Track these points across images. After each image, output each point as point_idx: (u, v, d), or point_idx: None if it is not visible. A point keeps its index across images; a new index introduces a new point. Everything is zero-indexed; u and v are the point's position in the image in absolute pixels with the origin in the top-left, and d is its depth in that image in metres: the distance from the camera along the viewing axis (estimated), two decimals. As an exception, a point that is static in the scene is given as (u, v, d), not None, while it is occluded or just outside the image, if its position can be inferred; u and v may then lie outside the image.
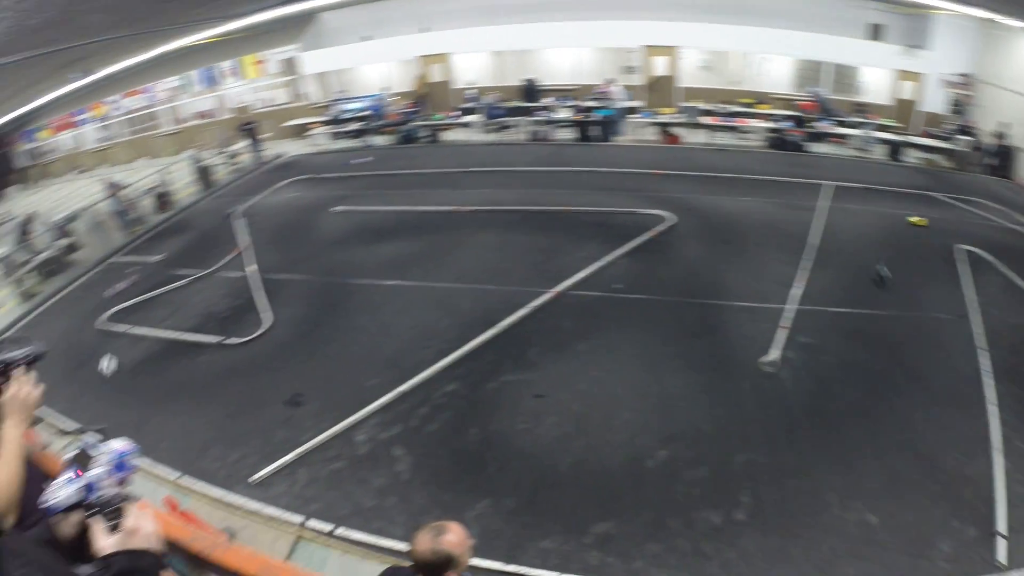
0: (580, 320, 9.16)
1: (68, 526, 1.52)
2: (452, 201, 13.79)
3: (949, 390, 7.82)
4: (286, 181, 17.49)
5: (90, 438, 1.62)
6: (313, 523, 6.23)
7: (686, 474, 6.55)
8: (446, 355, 8.50)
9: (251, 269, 11.78)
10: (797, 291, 9.66)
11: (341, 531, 6.11)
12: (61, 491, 1.50)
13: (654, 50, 20.72)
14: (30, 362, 2.32)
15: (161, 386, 8.87)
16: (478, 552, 5.76)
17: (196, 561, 1.89)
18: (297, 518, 6.28)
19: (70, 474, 1.53)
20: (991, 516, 6.11)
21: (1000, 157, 16.29)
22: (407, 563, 2.90)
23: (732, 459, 6.72)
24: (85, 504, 1.49)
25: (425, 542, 2.80)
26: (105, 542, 1.39)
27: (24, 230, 15.15)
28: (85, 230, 16.11)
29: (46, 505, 1.50)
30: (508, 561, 5.72)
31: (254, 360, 9.13)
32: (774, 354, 8.21)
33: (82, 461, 1.55)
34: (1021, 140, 16.07)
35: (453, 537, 2.83)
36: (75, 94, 24.00)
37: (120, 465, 1.59)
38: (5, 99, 19.99)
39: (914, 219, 9.95)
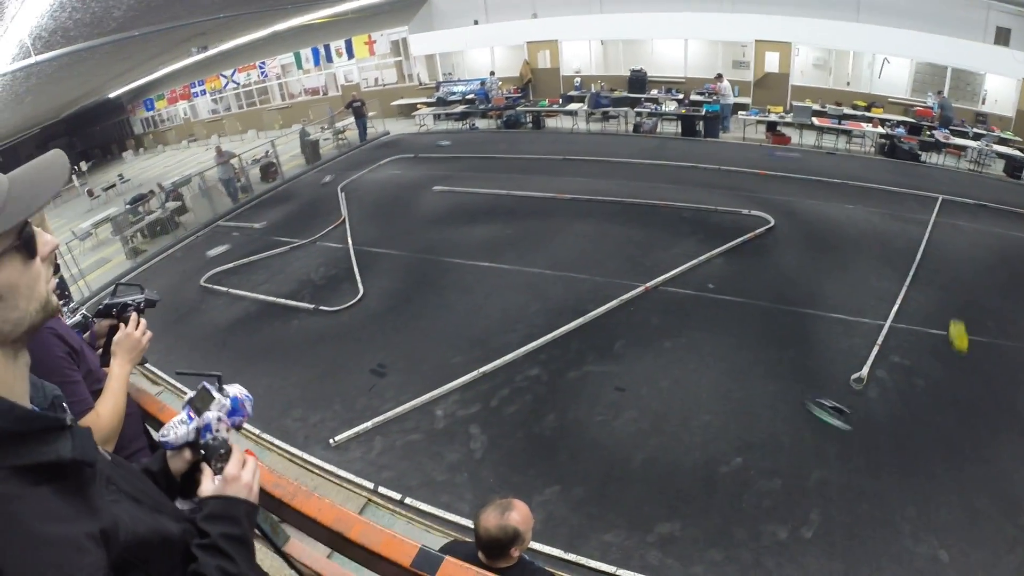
0: (669, 317, 9.13)
1: (180, 462, 1.58)
2: (551, 188, 13.90)
3: None
4: (389, 159, 17.98)
5: (208, 382, 1.67)
6: (384, 490, 6.50)
7: (758, 484, 6.50)
8: (532, 340, 8.65)
9: (350, 241, 12.23)
10: (895, 308, 9.33)
11: (409, 501, 6.35)
12: (176, 429, 1.57)
13: (766, 45, 20.09)
14: (142, 308, 2.56)
15: (253, 346, 9.43)
16: (541, 537, 5.91)
17: (275, 507, 2.02)
18: (369, 484, 6.58)
19: (187, 414, 1.60)
20: None
21: None
22: (468, 539, 3.03)
23: (807, 475, 6.62)
24: (196, 445, 1.57)
25: (493, 519, 2.91)
26: (206, 485, 1.47)
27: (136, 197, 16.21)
28: (194, 195, 17.07)
29: (161, 440, 1.59)
30: (568, 550, 5.82)
31: (344, 329, 9.55)
32: (864, 371, 7.98)
33: (200, 403, 1.62)
34: None
35: (518, 515, 2.94)
36: (192, 67, 25.34)
37: (234, 411, 1.66)
38: (127, 70, 21.30)
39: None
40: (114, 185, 22.62)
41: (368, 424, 7.40)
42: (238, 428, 1.70)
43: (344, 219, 13.46)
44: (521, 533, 2.94)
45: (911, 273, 10.28)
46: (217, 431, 1.59)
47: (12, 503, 0.91)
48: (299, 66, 25.93)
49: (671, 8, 20.11)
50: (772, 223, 11.86)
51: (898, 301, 9.46)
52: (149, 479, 1.48)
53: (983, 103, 18.73)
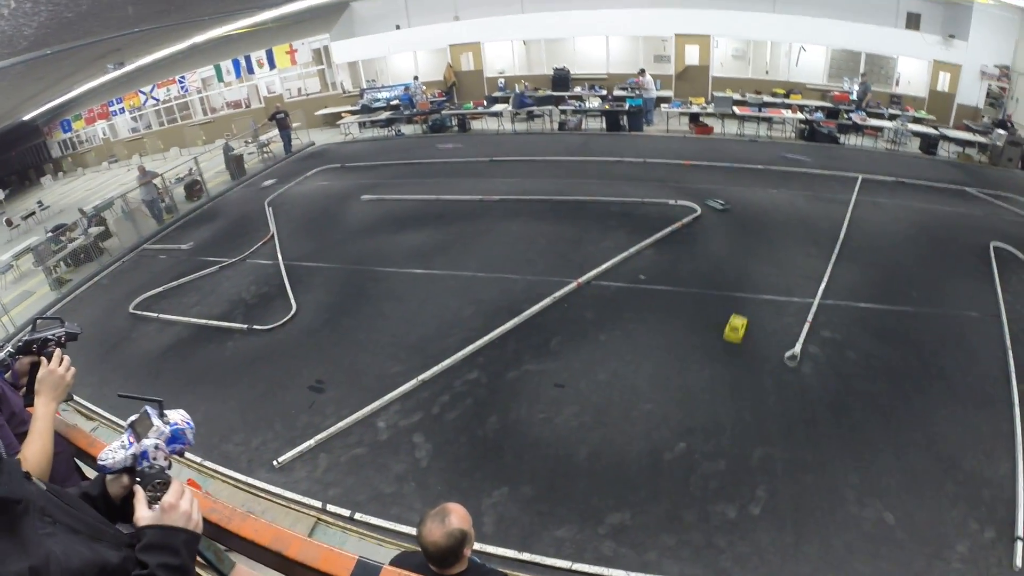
0: (603, 310, 9.17)
1: (118, 487, 1.57)
2: (480, 190, 13.84)
3: (974, 390, 7.70)
4: (316, 170, 17.68)
5: (151, 407, 1.66)
6: (332, 507, 6.34)
7: (703, 467, 6.56)
8: (469, 343, 8.58)
9: (280, 257, 11.96)
10: (823, 286, 9.57)
11: (359, 516, 6.22)
12: (115, 454, 1.56)
13: (686, 39, 20.56)
14: (63, 342, 2.43)
15: (189, 371, 9.10)
16: (493, 540, 5.90)
17: (213, 533, 1.96)
18: (317, 503, 6.41)
19: (126, 439, 1.59)
20: (1011, 519, 6.05)
21: None
22: (418, 549, 2.95)
23: (750, 453, 6.71)
24: (135, 471, 1.55)
25: (437, 530, 2.81)
26: (142, 513, 1.44)
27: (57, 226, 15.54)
28: (117, 218, 16.47)
29: (100, 463, 1.57)
30: (522, 549, 5.78)
31: (279, 346, 9.31)
32: (796, 348, 8.15)
33: (140, 428, 1.60)
34: None
35: (457, 517, 2.86)
36: (109, 85, 24.49)
37: (174, 439, 1.65)
38: (42, 90, 20.45)
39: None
40: (33, 213, 21.50)
41: (311, 442, 7.21)
42: (180, 455, 1.69)
43: (273, 234, 13.15)
44: (467, 532, 2.88)
45: (836, 251, 10.59)
46: (155, 459, 1.58)
47: None
48: (220, 79, 25.28)
49: (592, 5, 20.38)
50: (698, 212, 12.06)
51: (825, 279, 9.73)
52: (88, 503, 1.49)
53: (897, 85, 19.62)
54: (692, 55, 20.84)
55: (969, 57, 17.64)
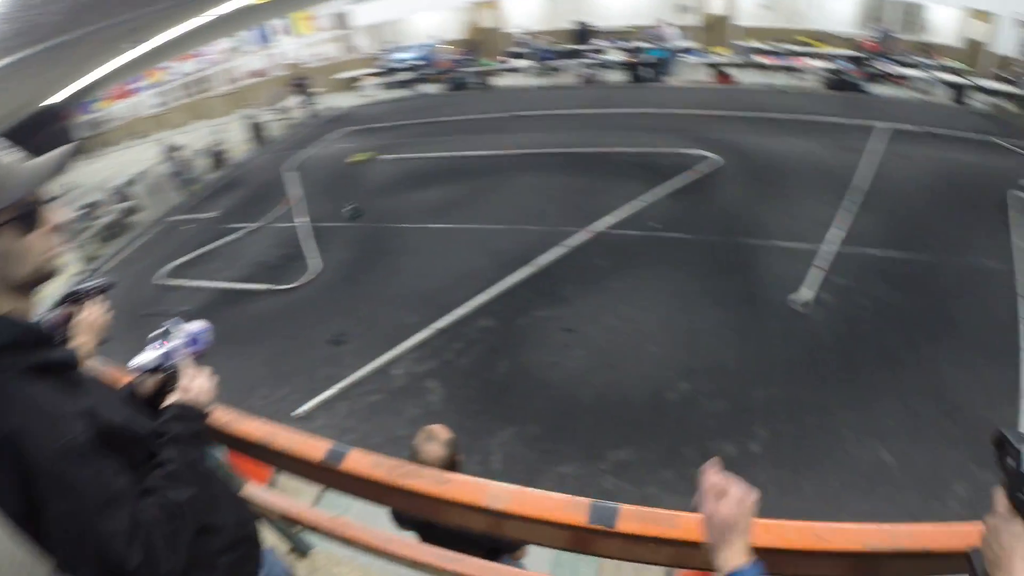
0: (615, 259, 9.24)
1: (146, 386, 1.83)
2: (499, 146, 13.89)
3: (983, 339, 7.66)
4: (338, 133, 17.81)
5: (173, 321, 1.98)
6: None
7: (705, 406, 6.69)
8: (482, 292, 8.74)
9: (301, 219, 12.17)
10: (839, 233, 9.51)
11: None
12: (144, 356, 1.86)
13: (711, -13, 20.14)
14: (100, 291, 2.66)
15: (217, 333, 9.33)
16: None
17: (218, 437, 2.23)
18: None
19: (154, 344, 1.89)
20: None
21: None
22: None
23: (752, 394, 6.82)
24: (161, 368, 1.84)
25: (435, 449, 3.08)
26: (168, 399, 1.71)
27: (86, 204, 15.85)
28: (144, 193, 16.80)
29: (131, 365, 1.86)
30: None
31: (302, 304, 9.54)
32: (807, 294, 8.19)
33: (165, 335, 1.92)
34: None
35: (441, 429, 3.20)
36: (130, 65, 24.65)
37: (194, 340, 1.97)
38: (63, 75, 20.70)
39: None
40: (63, 195, 22.01)
41: (330, 391, 7.44)
42: (200, 355, 1.97)
43: (292, 201, 13.38)
44: (456, 439, 3.18)
45: (857, 200, 10.49)
46: (179, 357, 1.88)
47: (28, 388, 1.30)
48: (241, 50, 25.40)
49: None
50: (716, 161, 12.01)
51: (840, 226, 9.67)
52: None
53: (927, 33, 18.96)
54: (716, 4, 20.40)
55: (1005, 5, 16.93)
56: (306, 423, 7.07)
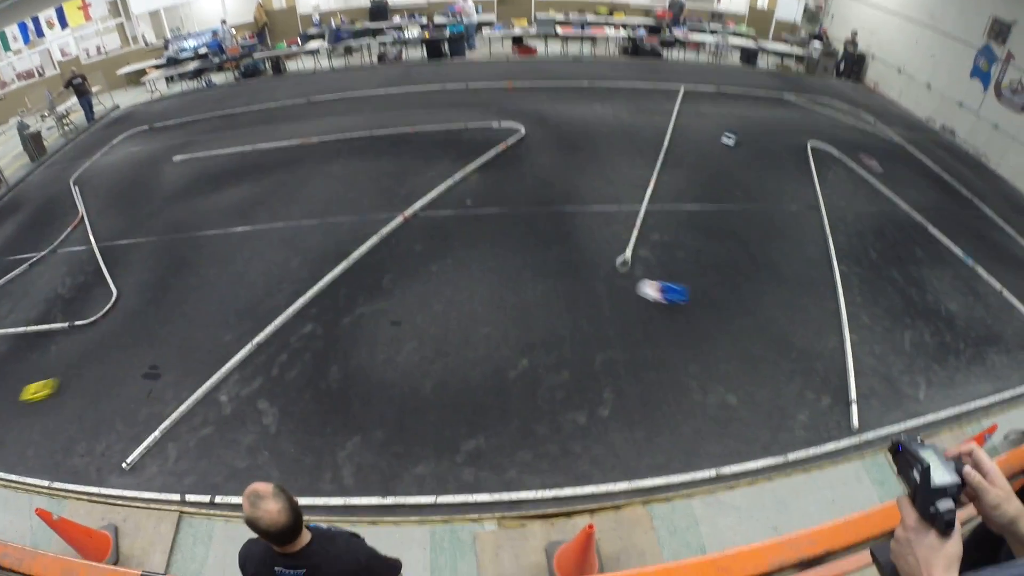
0: (432, 241, 8.92)
1: None
2: (298, 135, 13.06)
3: (799, 275, 8.26)
4: (123, 136, 16.12)
5: None
6: (192, 497, 5.87)
7: (548, 380, 6.61)
8: (299, 296, 8.08)
9: (92, 240, 10.81)
10: (649, 192, 9.78)
11: (220, 499, 5.80)
12: None
13: (508, -39, 20.22)
14: None
15: (14, 389, 8.05)
16: (355, 491, 5.74)
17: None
18: (175, 496, 5.90)
19: None
20: (844, 386, 6.58)
21: (849, 62, 17.62)
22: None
23: (592, 360, 6.83)
24: None
25: (273, 508, 2.74)
26: None
27: None
28: None
29: None
30: (385, 494, 5.66)
31: (105, 338, 8.38)
32: (627, 254, 8.33)
33: None
34: (869, 47, 17.32)
35: (276, 488, 2.81)
36: None
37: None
38: None
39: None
40: None
41: (156, 433, 6.57)
42: None
43: (82, 216, 11.85)
44: (280, 487, 2.83)
45: (660, 159, 10.87)
46: None
47: None
48: (6, 48, 22.33)
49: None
50: (523, 132, 11.95)
51: (651, 186, 9.97)
52: None
53: (719, 2, 20.77)
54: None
55: None
56: (139, 475, 6.22)
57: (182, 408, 6.82)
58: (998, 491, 1.27)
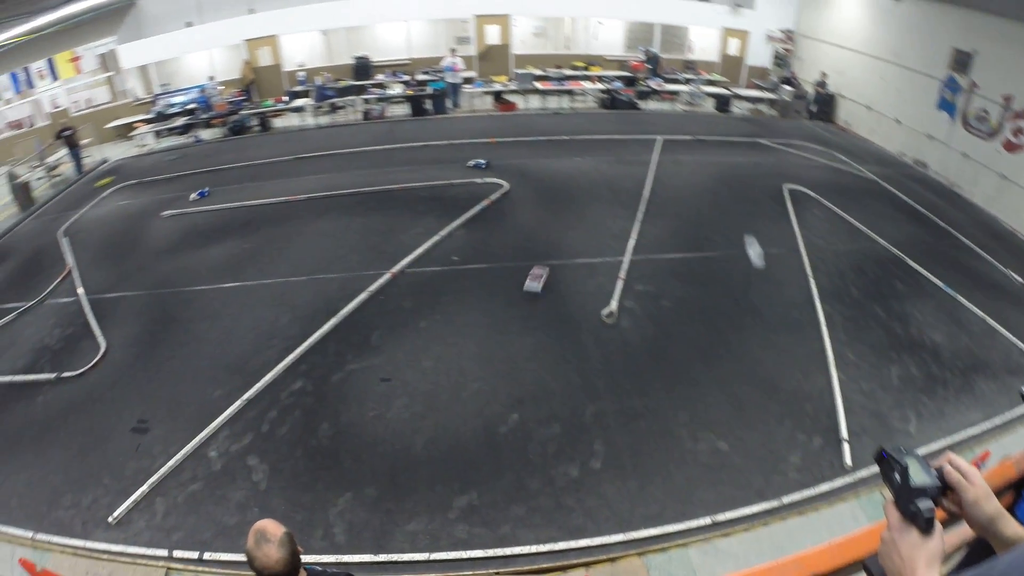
0: (420, 297, 8.98)
1: None
2: (285, 191, 13.18)
3: (784, 317, 8.42)
4: (112, 189, 16.20)
5: None
6: (180, 553, 5.82)
7: (539, 433, 6.64)
8: (289, 352, 8.11)
9: (80, 292, 10.82)
10: (632, 242, 9.97)
11: (208, 555, 5.75)
12: None
13: (486, 19, 20.79)
14: None
15: (1, 439, 7.99)
16: (347, 549, 5.70)
17: None
18: (162, 551, 5.84)
19: None
20: (834, 425, 6.69)
21: (820, 104, 18.21)
22: None
23: (582, 412, 6.88)
24: None
25: (272, 551, 2.76)
26: None
27: None
28: None
29: None
30: (377, 551, 5.63)
31: (93, 391, 8.35)
32: (613, 305, 8.45)
33: None
34: (838, 87, 17.99)
35: (274, 526, 2.86)
36: None
37: None
38: None
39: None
40: None
41: (144, 488, 6.52)
42: None
43: (70, 268, 11.84)
44: (294, 537, 2.87)
45: (641, 209, 11.10)
46: None
47: None
48: (-1, 97, 22.39)
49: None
50: (507, 187, 12.15)
51: (634, 236, 10.17)
52: None
53: (691, 52, 21.56)
54: (493, 35, 21.11)
55: (756, 23, 19.41)
56: (125, 529, 6.16)
57: (171, 463, 6.77)
58: (976, 489, 1.35)
